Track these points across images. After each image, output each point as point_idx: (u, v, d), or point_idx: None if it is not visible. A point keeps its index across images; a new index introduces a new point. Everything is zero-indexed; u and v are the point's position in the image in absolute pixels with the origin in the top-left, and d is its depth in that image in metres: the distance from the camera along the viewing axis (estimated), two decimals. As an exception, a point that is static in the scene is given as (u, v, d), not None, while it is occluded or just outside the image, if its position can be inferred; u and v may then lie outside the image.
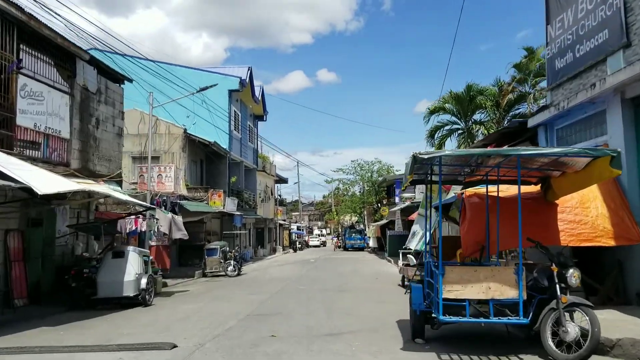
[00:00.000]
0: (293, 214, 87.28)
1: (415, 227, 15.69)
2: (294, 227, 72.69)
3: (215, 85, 21.21)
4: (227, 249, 22.46)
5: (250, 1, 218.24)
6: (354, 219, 63.39)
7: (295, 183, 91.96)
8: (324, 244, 76.24)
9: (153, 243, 21.23)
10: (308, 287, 16.71)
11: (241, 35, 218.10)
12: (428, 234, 14.37)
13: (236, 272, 21.62)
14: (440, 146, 23.97)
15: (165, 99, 27.72)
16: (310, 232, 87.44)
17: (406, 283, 15.65)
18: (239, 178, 34.93)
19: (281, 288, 16.28)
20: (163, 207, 20.57)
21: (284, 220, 57.36)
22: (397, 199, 36.58)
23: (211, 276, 21.95)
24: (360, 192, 60.94)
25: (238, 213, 29.97)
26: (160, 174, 21.35)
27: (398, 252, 36.18)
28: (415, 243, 15.04)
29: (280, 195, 57.15)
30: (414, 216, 20.06)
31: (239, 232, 30.36)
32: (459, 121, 24.06)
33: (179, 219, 19.23)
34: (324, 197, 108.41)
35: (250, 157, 39.04)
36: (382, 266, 28.21)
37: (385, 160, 56.20)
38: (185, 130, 26.65)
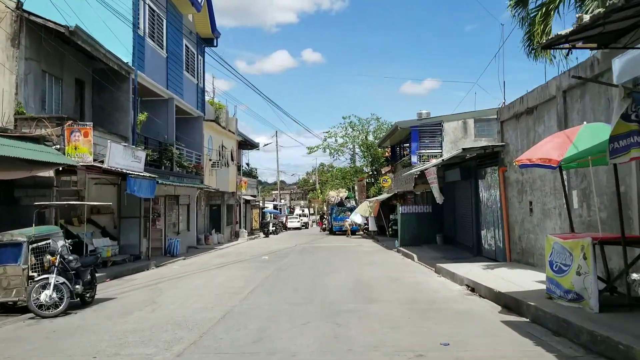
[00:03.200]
0: (273, 192, 74.92)
1: None
2: (269, 205, 59.70)
3: None
4: (56, 245, 9.29)
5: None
6: (343, 194, 50.51)
7: (267, 144, 78.29)
8: (305, 225, 63.63)
9: None
10: None
11: (224, 13, 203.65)
12: None
13: (63, 307, 8.50)
14: (547, 15, 11.04)
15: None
16: (292, 212, 74.68)
17: None
18: (164, 122, 21.72)
19: None
20: None
21: (254, 197, 44.21)
22: (414, 158, 23.75)
23: (9, 307, 8.95)
24: (350, 161, 47.83)
25: (146, 174, 16.84)
26: None
27: (419, 243, 22.89)
28: None
29: (248, 165, 43.77)
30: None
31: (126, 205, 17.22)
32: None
33: None
34: (307, 174, 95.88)
35: (190, 98, 25.77)
36: (402, 268, 15.46)
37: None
38: (18, 3, 13.33)
